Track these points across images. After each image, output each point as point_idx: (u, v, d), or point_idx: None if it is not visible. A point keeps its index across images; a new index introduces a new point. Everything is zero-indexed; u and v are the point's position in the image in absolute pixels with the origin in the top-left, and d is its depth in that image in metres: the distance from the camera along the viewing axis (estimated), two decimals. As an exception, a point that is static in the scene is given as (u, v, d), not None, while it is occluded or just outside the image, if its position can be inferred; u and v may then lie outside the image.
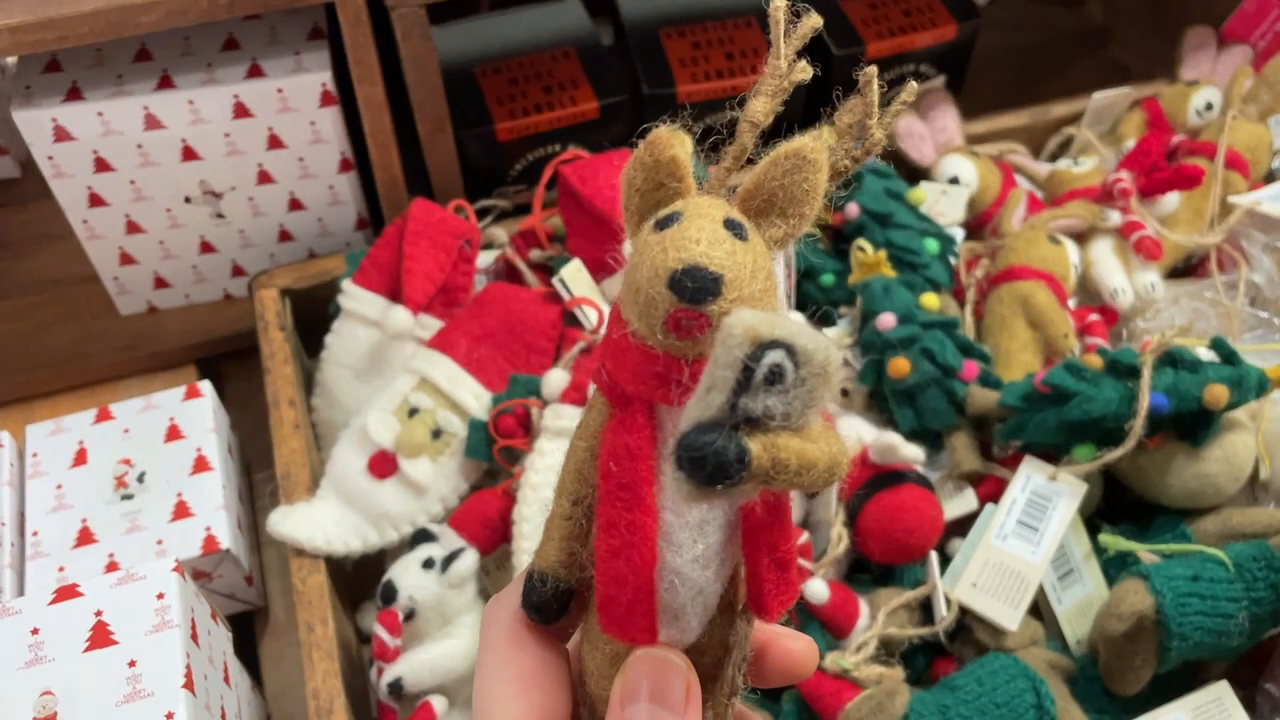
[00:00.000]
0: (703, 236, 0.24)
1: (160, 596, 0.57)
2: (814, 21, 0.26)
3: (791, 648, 0.31)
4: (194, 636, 0.57)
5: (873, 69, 0.27)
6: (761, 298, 0.24)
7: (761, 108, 0.27)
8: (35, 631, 0.56)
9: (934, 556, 0.67)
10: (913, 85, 0.27)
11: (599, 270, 0.77)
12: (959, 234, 0.86)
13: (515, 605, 0.29)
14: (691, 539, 0.26)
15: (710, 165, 0.89)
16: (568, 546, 0.28)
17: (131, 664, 0.54)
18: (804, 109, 0.94)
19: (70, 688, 0.54)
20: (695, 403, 0.23)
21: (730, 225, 0.25)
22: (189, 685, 0.54)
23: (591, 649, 0.29)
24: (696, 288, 0.24)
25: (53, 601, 0.57)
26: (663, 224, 0.25)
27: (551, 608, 0.29)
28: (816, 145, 0.25)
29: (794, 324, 0.22)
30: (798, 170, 0.25)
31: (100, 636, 0.55)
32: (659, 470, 0.26)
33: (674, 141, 0.25)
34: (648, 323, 0.24)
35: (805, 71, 0.27)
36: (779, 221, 0.26)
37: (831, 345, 0.23)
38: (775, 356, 0.22)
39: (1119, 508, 0.73)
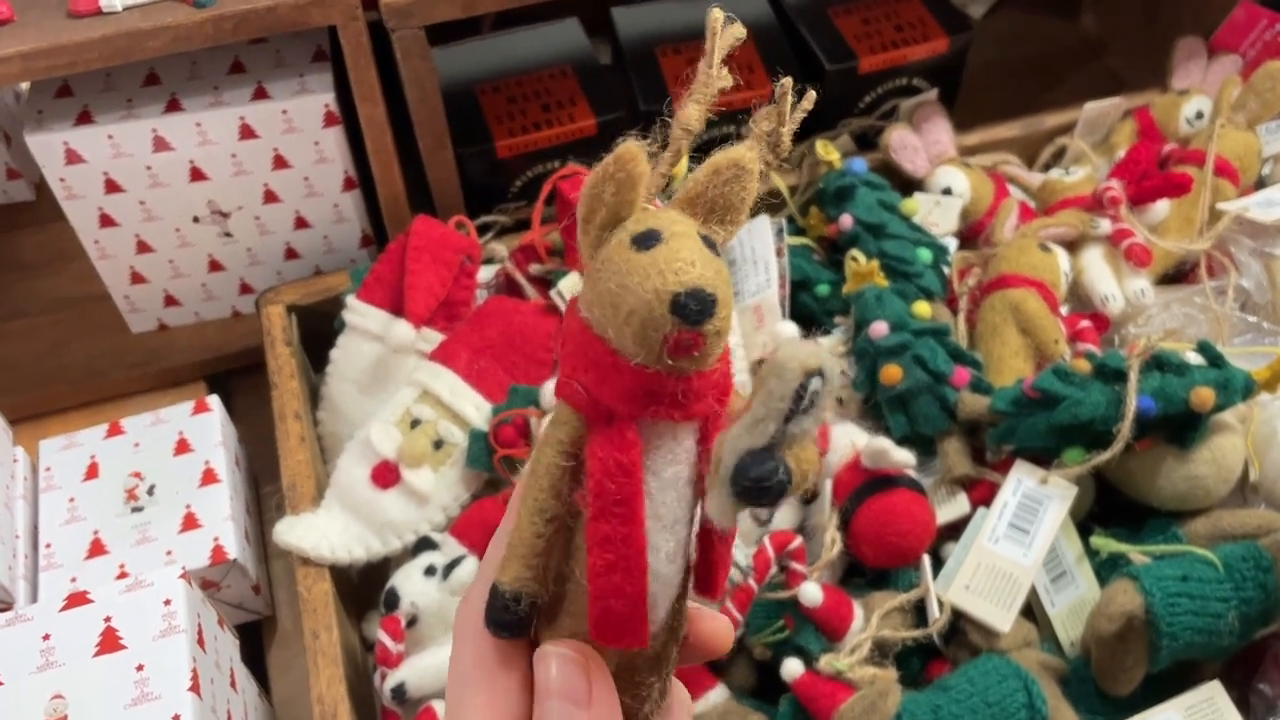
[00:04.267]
0: (696, 258, 0.25)
1: (167, 602, 0.59)
2: (738, 31, 0.27)
3: (711, 627, 0.32)
4: (200, 641, 0.59)
5: (788, 80, 0.27)
6: (730, 307, 0.26)
7: (696, 114, 0.27)
8: (46, 637, 0.57)
9: (927, 560, 0.68)
10: (811, 95, 0.28)
11: (596, 283, 0.79)
12: (952, 243, 0.87)
13: (482, 609, 0.30)
14: (665, 539, 0.27)
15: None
16: (538, 563, 0.28)
17: (139, 668, 0.56)
18: (799, 123, 0.95)
19: (80, 691, 0.55)
20: (745, 432, 0.24)
21: (707, 242, 0.25)
22: (195, 688, 0.56)
23: None
24: (699, 310, 0.24)
25: (63, 608, 0.58)
26: (644, 243, 0.25)
27: (524, 626, 0.29)
28: (752, 155, 0.26)
29: (819, 348, 0.24)
30: (737, 180, 0.26)
31: (109, 641, 0.57)
32: (646, 482, 0.27)
33: (643, 156, 0.26)
34: (645, 344, 0.25)
35: (726, 79, 0.27)
36: (717, 229, 0.27)
37: (832, 358, 0.24)
38: (816, 384, 0.24)
39: (1112, 511, 0.74)
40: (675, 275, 0.24)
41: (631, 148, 0.25)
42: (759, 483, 0.24)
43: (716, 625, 0.32)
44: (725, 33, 0.27)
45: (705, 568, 0.29)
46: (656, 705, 0.31)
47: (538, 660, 0.29)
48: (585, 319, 0.26)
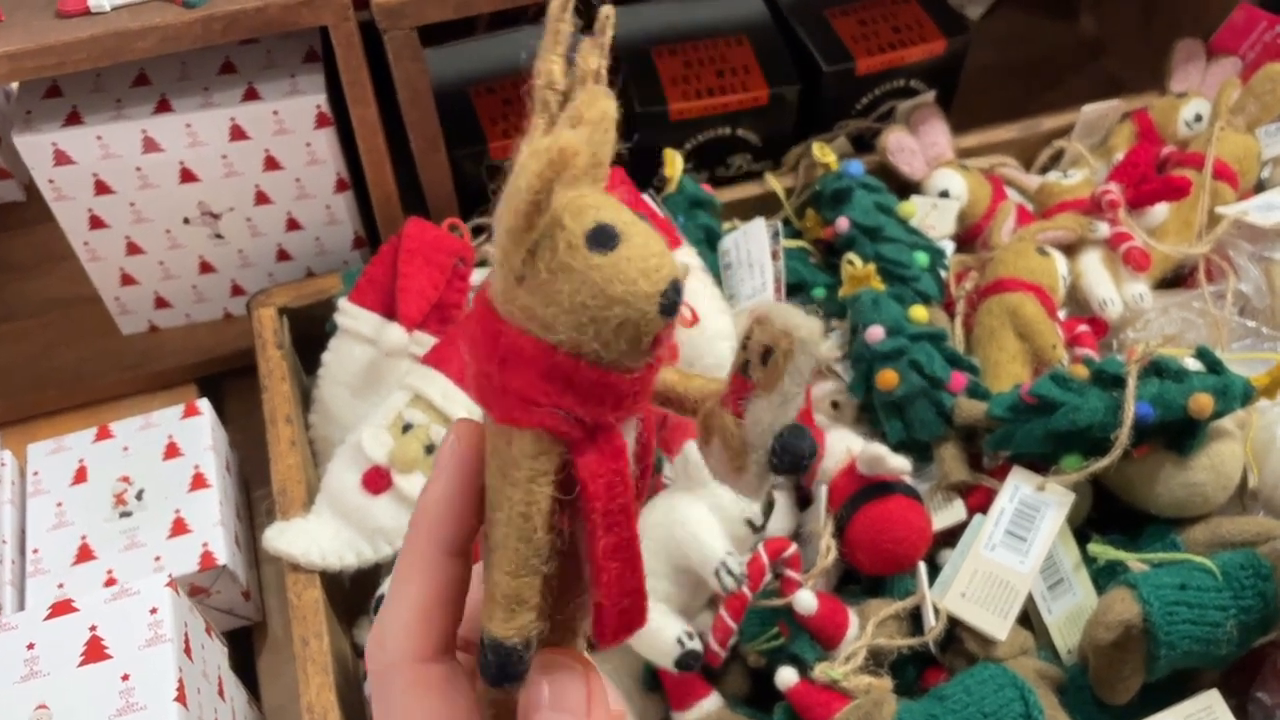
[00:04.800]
0: (659, 245, 0.23)
1: (153, 611, 0.58)
2: None
3: None
4: (187, 650, 0.58)
5: (611, 9, 0.26)
6: None
7: (560, 69, 0.25)
8: (30, 646, 0.57)
9: (923, 567, 0.68)
10: (612, 19, 0.26)
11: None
12: (949, 247, 0.86)
13: (402, 647, 0.28)
14: None
15: (702, 181, 0.88)
16: (540, 602, 0.27)
17: (124, 677, 0.55)
18: (795, 125, 0.95)
19: (64, 701, 0.55)
20: (777, 411, 0.24)
21: (639, 216, 0.24)
22: (181, 698, 0.55)
23: None
24: (678, 299, 0.24)
25: (48, 617, 0.58)
26: (604, 242, 0.23)
27: (527, 669, 0.27)
28: (614, 103, 0.25)
29: (808, 310, 0.24)
30: (609, 133, 0.25)
31: (94, 651, 0.56)
32: None
33: (585, 149, 0.23)
34: (639, 350, 0.24)
35: (570, 22, 0.25)
36: (592, 186, 0.25)
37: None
38: None
39: (1110, 517, 0.73)
40: (657, 273, 0.23)
41: (572, 141, 0.22)
42: (804, 458, 0.25)
43: None
44: None
45: None
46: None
47: (529, 678, 0.28)
48: (550, 342, 0.24)
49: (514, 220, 0.23)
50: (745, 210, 0.89)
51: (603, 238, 0.23)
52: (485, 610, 0.27)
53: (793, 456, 0.24)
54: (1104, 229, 0.83)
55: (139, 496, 0.75)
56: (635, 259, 0.23)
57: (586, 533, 0.26)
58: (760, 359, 0.25)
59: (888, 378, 0.72)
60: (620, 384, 0.24)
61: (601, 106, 0.24)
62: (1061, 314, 0.81)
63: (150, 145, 0.79)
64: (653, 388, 0.26)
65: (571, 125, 0.24)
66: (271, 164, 0.82)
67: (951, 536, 0.70)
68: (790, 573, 0.67)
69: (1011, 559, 0.67)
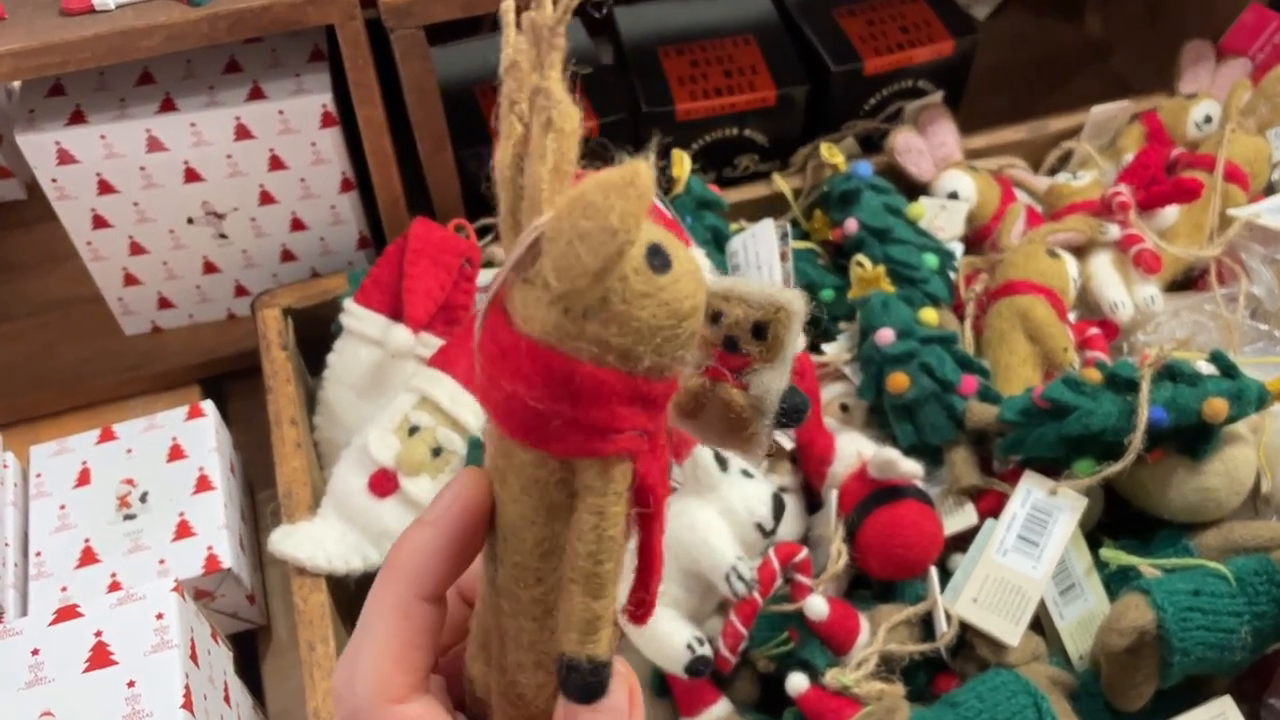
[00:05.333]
0: (687, 250, 0.24)
1: (159, 616, 0.57)
2: None
3: None
4: (193, 656, 0.58)
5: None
6: None
7: (562, 89, 0.24)
8: (35, 652, 0.56)
9: (934, 572, 0.67)
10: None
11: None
12: (958, 249, 0.86)
13: (373, 690, 0.28)
14: None
15: (709, 182, 0.87)
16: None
17: (130, 684, 0.55)
18: (803, 125, 0.94)
19: (70, 708, 0.54)
20: (779, 376, 0.27)
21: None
22: (188, 705, 0.55)
23: (514, 648, 0.29)
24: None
25: (53, 622, 0.57)
26: (663, 262, 0.23)
27: None
28: (579, 111, 0.24)
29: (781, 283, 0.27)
30: (577, 138, 0.24)
31: (100, 657, 0.56)
32: None
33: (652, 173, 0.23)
34: (688, 353, 0.25)
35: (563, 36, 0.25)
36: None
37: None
38: None
39: (1121, 522, 0.73)
40: (701, 279, 0.24)
41: (650, 173, 0.22)
42: (805, 411, 0.27)
43: None
44: None
45: None
46: None
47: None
48: (627, 369, 0.24)
49: (600, 261, 0.22)
50: (753, 211, 0.88)
51: (660, 258, 0.23)
52: (568, 637, 0.26)
53: (798, 412, 0.27)
54: (1114, 231, 0.82)
55: (143, 499, 0.74)
56: (689, 272, 0.24)
57: (648, 531, 0.27)
58: (750, 334, 0.27)
59: (898, 381, 0.72)
60: (674, 387, 0.25)
61: (575, 117, 0.24)
62: (1072, 316, 0.80)
63: (154, 144, 0.79)
64: None
65: (555, 138, 0.24)
66: (276, 164, 0.82)
67: (963, 541, 0.70)
68: (801, 578, 0.66)
69: (1023, 564, 0.67)
